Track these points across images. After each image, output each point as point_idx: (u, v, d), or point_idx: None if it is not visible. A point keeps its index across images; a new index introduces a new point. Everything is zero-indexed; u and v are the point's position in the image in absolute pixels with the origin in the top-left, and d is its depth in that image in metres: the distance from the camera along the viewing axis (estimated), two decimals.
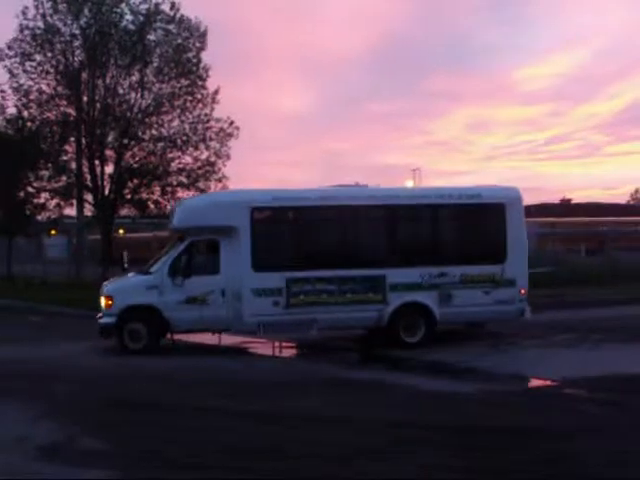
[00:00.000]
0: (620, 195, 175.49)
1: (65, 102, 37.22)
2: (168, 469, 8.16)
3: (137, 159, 37.39)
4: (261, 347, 18.43)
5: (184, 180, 37.06)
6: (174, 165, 37.43)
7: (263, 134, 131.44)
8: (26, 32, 35.95)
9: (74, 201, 39.04)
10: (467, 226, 19.00)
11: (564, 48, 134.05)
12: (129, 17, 36.49)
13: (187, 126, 36.85)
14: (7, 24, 42.42)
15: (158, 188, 37.21)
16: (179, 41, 36.52)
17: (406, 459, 8.41)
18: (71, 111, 37.28)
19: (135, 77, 36.46)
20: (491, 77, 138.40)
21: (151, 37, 36.46)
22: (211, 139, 36.80)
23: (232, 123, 36.88)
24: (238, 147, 37.61)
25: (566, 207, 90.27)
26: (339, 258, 17.81)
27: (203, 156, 37.01)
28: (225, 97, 37.16)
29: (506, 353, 17.25)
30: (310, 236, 18.23)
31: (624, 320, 20.97)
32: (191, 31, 36.52)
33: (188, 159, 37.27)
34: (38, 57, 36.31)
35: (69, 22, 36.31)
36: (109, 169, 37.34)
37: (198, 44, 36.68)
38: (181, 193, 36.56)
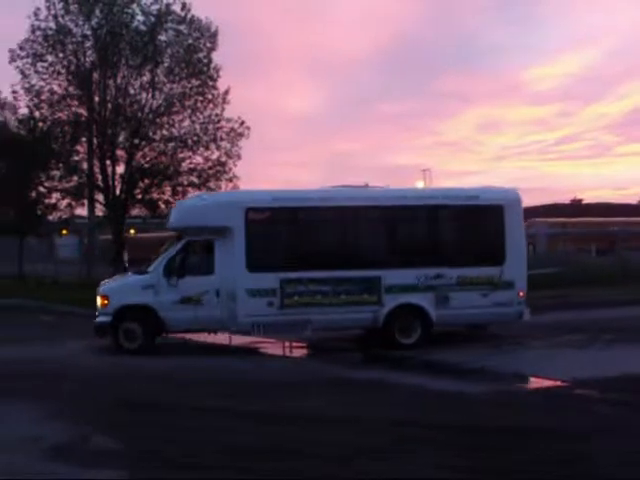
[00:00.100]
0: (631, 195, 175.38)
1: (76, 102, 37.29)
2: (177, 469, 8.15)
3: (148, 159, 37.44)
4: (270, 347, 18.49)
5: (195, 180, 37.09)
6: (185, 165, 37.50)
7: (273, 134, 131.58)
8: (38, 33, 36.04)
9: (85, 201, 39.15)
10: (464, 228, 18.91)
11: (574, 48, 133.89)
12: (140, 18, 36.56)
13: (198, 126, 36.88)
14: (19, 25, 42.48)
15: (169, 188, 37.24)
16: (190, 41, 36.53)
17: (422, 459, 8.41)
18: (82, 111, 37.37)
19: (146, 77, 36.52)
20: (501, 77, 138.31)
21: (162, 37, 36.51)
22: (222, 139, 36.80)
23: (243, 123, 36.92)
24: (248, 147, 37.50)
25: (577, 207, 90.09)
26: (334, 259, 17.80)
27: (214, 156, 37.06)
28: (235, 97, 37.22)
29: (514, 353, 17.24)
30: (305, 237, 18.21)
31: (635, 320, 20.88)
32: (202, 31, 36.53)
33: (199, 159, 37.35)
34: (50, 58, 36.40)
35: (80, 23, 36.38)
36: (120, 169, 37.45)
37: (209, 44, 36.70)
38: (192, 193, 36.57)
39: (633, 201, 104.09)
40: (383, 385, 13.29)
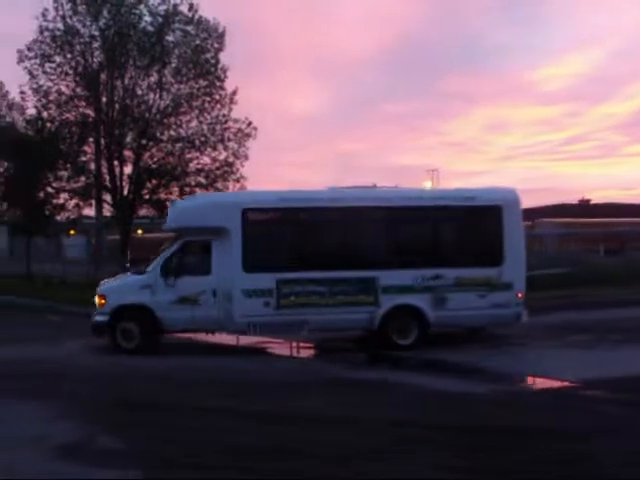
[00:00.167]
0: (638, 195, 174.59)
1: (84, 103, 37.30)
2: (179, 469, 8.15)
3: (155, 160, 37.44)
4: (277, 347, 18.54)
5: (202, 180, 37.04)
6: (192, 165, 37.44)
7: (278, 135, 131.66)
8: (46, 34, 36.05)
9: (93, 201, 39.12)
10: (461, 228, 18.91)
11: (580, 48, 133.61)
12: (148, 18, 36.47)
13: (205, 127, 36.82)
14: (27, 26, 42.52)
15: (176, 188, 37.19)
16: (197, 42, 36.48)
17: (421, 459, 8.40)
18: (90, 112, 37.38)
19: (154, 78, 36.49)
20: (507, 77, 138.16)
21: (169, 38, 36.45)
22: (229, 139, 36.73)
23: (250, 124, 36.86)
24: (254, 148, 37.43)
25: (584, 207, 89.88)
26: (330, 260, 17.82)
27: (221, 156, 36.97)
28: (241, 98, 37.19)
29: (520, 354, 17.23)
30: (301, 237, 18.27)
31: None
32: (209, 32, 36.48)
33: (206, 159, 37.26)
34: (57, 58, 36.39)
35: (88, 23, 36.35)
36: (128, 169, 37.44)
37: (216, 45, 36.64)
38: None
39: None
40: (389, 385, 13.29)
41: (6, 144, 38.91)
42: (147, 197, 37.58)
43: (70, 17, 36.12)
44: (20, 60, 36.01)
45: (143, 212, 39.24)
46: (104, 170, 37.53)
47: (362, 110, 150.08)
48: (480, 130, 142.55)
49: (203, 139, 36.80)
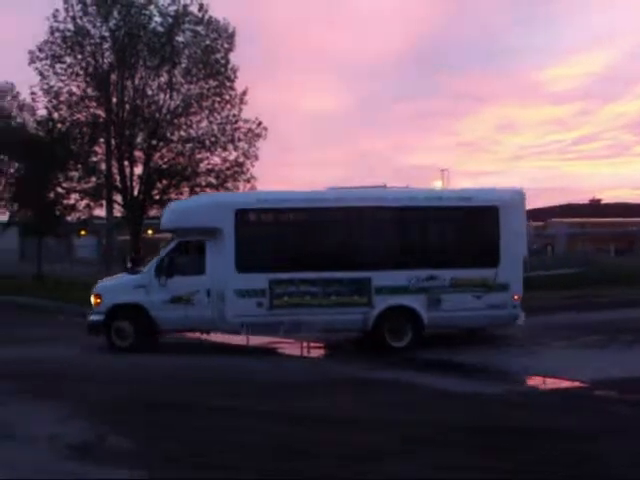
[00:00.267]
0: None
1: (95, 103, 37.44)
2: (195, 469, 8.17)
3: (166, 160, 37.54)
4: (288, 347, 18.55)
5: (213, 181, 37.13)
6: (203, 166, 37.54)
7: (289, 135, 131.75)
8: (56, 34, 36.21)
9: (104, 202, 39.24)
10: (458, 229, 18.77)
11: (591, 47, 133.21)
12: (158, 19, 36.58)
13: (215, 127, 36.90)
14: (38, 27, 42.69)
15: (187, 189, 37.28)
16: (207, 42, 36.54)
17: (431, 460, 8.39)
18: (101, 112, 37.51)
19: (164, 78, 36.58)
20: (518, 77, 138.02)
21: (180, 38, 36.55)
22: (239, 140, 36.79)
23: (260, 124, 36.92)
24: (264, 148, 37.48)
25: (595, 207, 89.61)
26: (323, 260, 17.77)
27: (231, 157, 37.07)
28: (252, 98, 37.22)
29: (531, 354, 17.15)
30: (294, 238, 18.26)
31: None
32: (219, 32, 36.54)
33: (216, 160, 37.38)
34: (68, 59, 36.55)
35: (98, 24, 36.50)
36: (138, 170, 37.57)
37: (226, 45, 36.69)
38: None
39: None
40: (401, 385, 13.27)
41: (17, 145, 39.07)
42: (157, 197, 37.64)
43: (80, 18, 36.29)
44: (31, 61, 36.27)
45: (153, 212, 39.24)
46: (114, 170, 37.66)
47: (375, 110, 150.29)
48: (491, 130, 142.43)
49: (213, 139, 36.88)
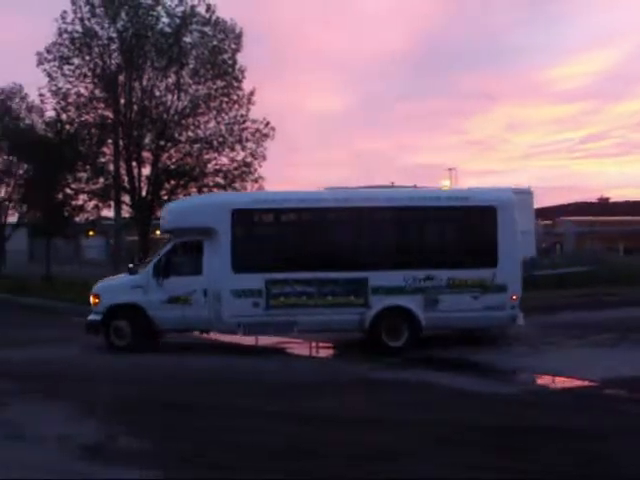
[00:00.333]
0: None
1: (103, 105, 37.45)
2: (210, 470, 8.16)
3: (174, 160, 37.54)
4: (297, 347, 18.55)
5: (221, 181, 37.12)
6: (210, 166, 37.50)
7: (295, 135, 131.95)
8: (65, 36, 36.21)
9: (112, 203, 39.24)
10: (455, 229, 18.66)
11: (599, 46, 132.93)
12: (165, 20, 36.51)
13: (223, 127, 36.85)
14: (46, 28, 42.80)
15: (195, 189, 37.25)
16: (215, 43, 36.50)
17: (448, 459, 8.38)
18: (109, 113, 37.52)
19: (171, 79, 36.56)
20: (527, 76, 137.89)
21: (187, 39, 36.50)
22: (247, 140, 36.75)
23: (268, 124, 36.87)
24: (272, 148, 37.49)
25: (604, 206, 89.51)
26: (320, 260, 17.71)
27: (239, 157, 37.00)
28: (260, 98, 37.23)
29: (543, 354, 17.12)
30: (290, 238, 18.26)
31: None
32: (227, 33, 36.50)
33: (224, 160, 37.31)
34: (76, 60, 36.55)
35: (106, 26, 36.49)
36: (146, 171, 37.53)
37: (234, 46, 36.65)
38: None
39: None
40: (411, 385, 13.26)
41: (25, 146, 39.21)
42: (166, 198, 37.54)
43: (88, 19, 36.28)
44: (39, 63, 36.27)
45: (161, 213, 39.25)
46: (123, 171, 37.66)
47: (382, 109, 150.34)
48: (500, 129, 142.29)
49: (221, 140, 36.85)
